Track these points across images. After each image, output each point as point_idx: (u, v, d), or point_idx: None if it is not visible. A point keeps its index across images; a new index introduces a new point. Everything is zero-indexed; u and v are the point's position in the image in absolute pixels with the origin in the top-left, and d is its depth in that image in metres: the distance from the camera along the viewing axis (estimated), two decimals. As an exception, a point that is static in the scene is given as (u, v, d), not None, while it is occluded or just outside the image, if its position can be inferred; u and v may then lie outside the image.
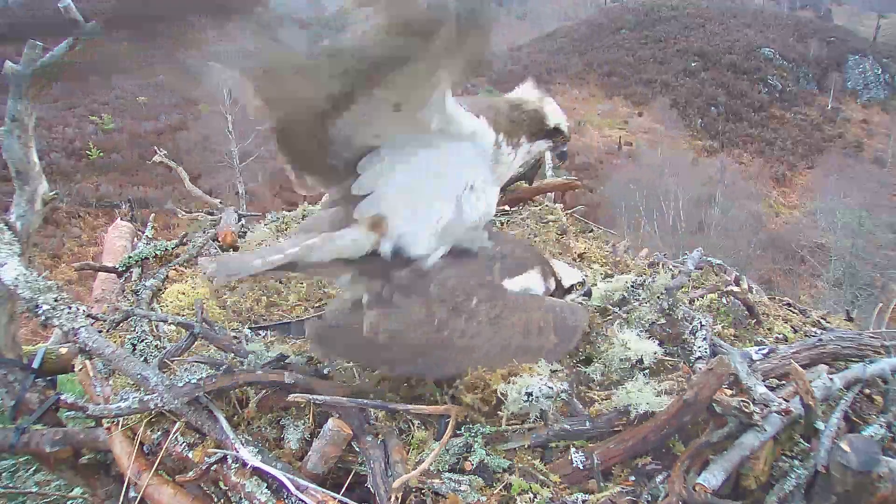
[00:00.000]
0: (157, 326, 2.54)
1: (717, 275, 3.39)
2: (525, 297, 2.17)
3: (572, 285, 2.46)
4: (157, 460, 2.01)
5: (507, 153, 2.18)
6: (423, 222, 2.06)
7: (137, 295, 2.85)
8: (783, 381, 2.12)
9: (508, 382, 1.90)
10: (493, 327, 2.02)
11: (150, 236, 3.67)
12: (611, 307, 2.69)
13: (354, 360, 2.13)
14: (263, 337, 2.60)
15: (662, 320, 2.43)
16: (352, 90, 1.66)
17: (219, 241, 3.54)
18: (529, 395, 1.85)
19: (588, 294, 2.61)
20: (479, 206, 2.14)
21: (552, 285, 2.38)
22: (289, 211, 4.45)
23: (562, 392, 1.88)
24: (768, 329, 2.72)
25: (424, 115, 1.84)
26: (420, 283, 2.03)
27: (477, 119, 2.05)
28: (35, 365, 2.77)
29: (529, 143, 2.27)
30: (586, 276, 2.54)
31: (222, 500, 1.89)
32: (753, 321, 2.73)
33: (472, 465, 1.76)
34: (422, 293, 2.01)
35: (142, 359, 2.24)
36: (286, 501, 1.71)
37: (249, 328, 2.68)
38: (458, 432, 1.88)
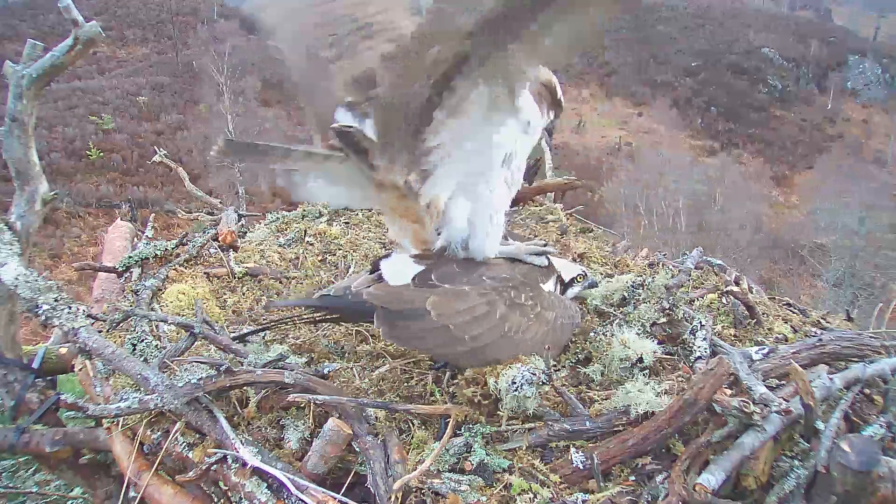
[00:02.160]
0: (157, 326, 2.54)
1: (717, 275, 3.38)
2: (553, 297, 2.32)
3: (573, 278, 2.54)
4: (157, 460, 2.02)
5: (536, 127, 2.25)
6: (479, 206, 2.19)
7: (137, 295, 2.84)
8: (783, 381, 2.12)
9: (498, 376, 1.92)
10: (537, 323, 2.11)
11: (150, 236, 3.67)
12: (610, 307, 2.69)
13: (427, 350, 2.16)
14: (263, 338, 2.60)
15: (662, 320, 2.43)
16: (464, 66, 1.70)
17: (219, 241, 3.54)
18: (513, 383, 1.87)
19: (594, 285, 2.69)
20: (517, 178, 2.25)
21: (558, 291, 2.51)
22: (288, 211, 4.45)
23: (542, 374, 1.89)
24: (768, 329, 2.72)
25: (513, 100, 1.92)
26: (472, 272, 2.17)
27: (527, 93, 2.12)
28: (35, 365, 2.77)
29: (548, 117, 2.34)
30: (585, 272, 2.61)
31: (222, 500, 1.89)
32: (754, 321, 2.73)
33: (472, 465, 1.76)
34: (474, 282, 2.12)
35: (142, 359, 2.24)
36: (286, 501, 1.71)
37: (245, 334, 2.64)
38: (458, 432, 1.88)
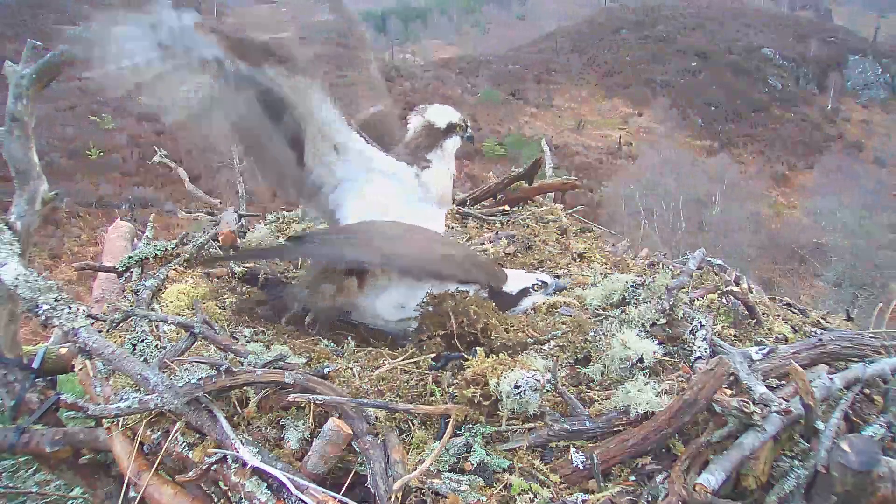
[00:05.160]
0: (157, 326, 2.53)
1: (717, 275, 3.38)
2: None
3: (525, 288, 2.68)
4: (157, 460, 2.01)
5: (426, 174, 2.91)
6: None
7: (137, 295, 2.84)
8: (783, 381, 2.11)
9: (500, 377, 1.91)
10: None
11: (150, 236, 3.66)
12: (610, 307, 2.69)
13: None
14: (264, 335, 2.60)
15: (663, 320, 2.43)
16: None
17: (219, 241, 3.54)
18: (517, 388, 1.86)
19: (561, 288, 2.80)
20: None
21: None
22: (289, 211, 4.45)
23: (547, 383, 1.88)
24: (768, 329, 2.72)
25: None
26: None
27: (397, 162, 2.84)
28: (35, 365, 2.77)
29: (435, 151, 2.93)
30: (543, 280, 2.75)
31: (222, 500, 1.89)
32: (754, 321, 2.73)
33: (472, 465, 1.76)
34: None
35: (142, 359, 2.24)
36: (286, 501, 1.71)
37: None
38: (458, 432, 1.87)
